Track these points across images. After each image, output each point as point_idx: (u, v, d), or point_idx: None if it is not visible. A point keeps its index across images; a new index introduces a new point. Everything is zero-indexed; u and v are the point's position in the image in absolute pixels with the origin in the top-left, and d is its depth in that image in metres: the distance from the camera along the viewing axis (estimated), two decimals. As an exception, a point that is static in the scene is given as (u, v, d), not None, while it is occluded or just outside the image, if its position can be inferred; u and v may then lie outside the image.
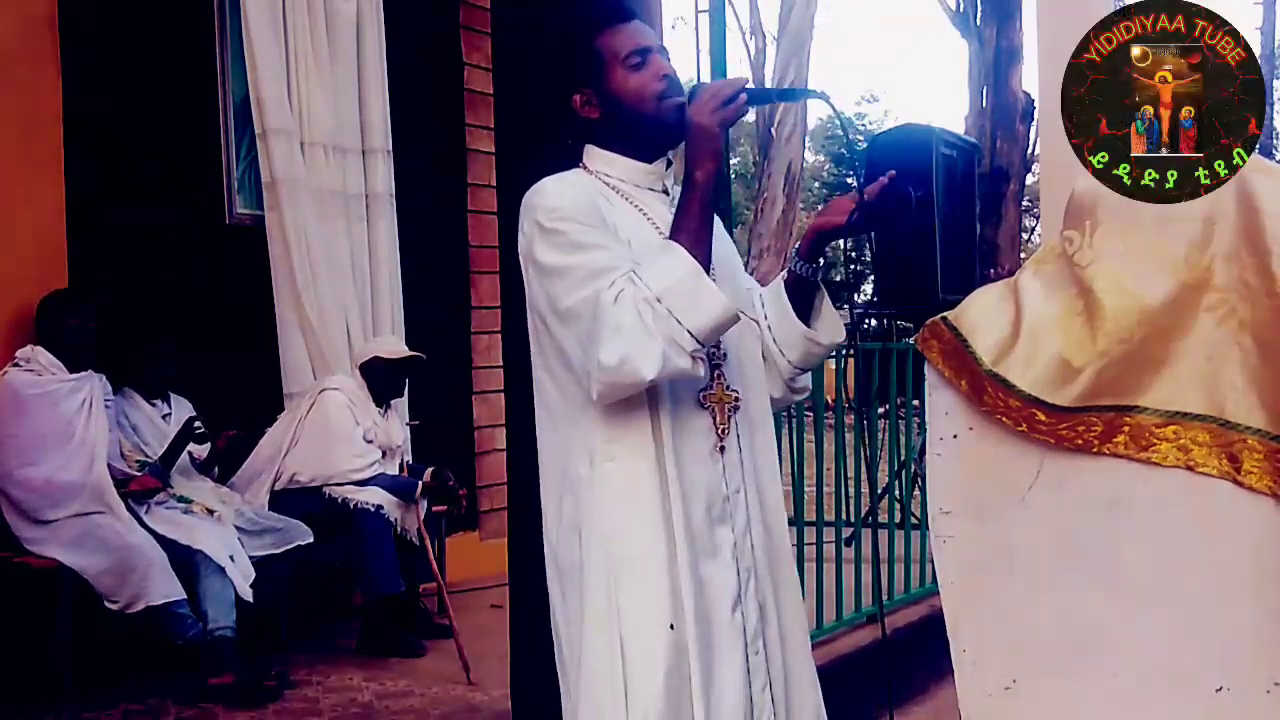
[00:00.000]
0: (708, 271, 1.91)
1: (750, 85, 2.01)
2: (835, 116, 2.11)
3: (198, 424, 4.43)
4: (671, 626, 1.92)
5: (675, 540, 1.94)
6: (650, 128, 2.05)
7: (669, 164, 2.14)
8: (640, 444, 1.95)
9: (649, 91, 2.03)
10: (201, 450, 4.63)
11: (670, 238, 1.93)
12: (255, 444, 4.90)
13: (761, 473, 2.11)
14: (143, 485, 4.28)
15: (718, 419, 2.03)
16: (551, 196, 1.96)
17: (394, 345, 5.14)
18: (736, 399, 2.06)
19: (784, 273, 2.21)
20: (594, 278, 1.87)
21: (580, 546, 1.97)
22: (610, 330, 1.83)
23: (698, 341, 1.86)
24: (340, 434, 4.84)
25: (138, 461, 4.42)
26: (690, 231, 1.91)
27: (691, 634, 1.92)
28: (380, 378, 5.01)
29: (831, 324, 2.21)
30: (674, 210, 1.98)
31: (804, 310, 2.19)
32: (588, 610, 1.96)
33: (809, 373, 2.27)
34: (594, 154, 2.10)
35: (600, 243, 1.92)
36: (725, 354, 2.06)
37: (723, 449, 2.02)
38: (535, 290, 1.97)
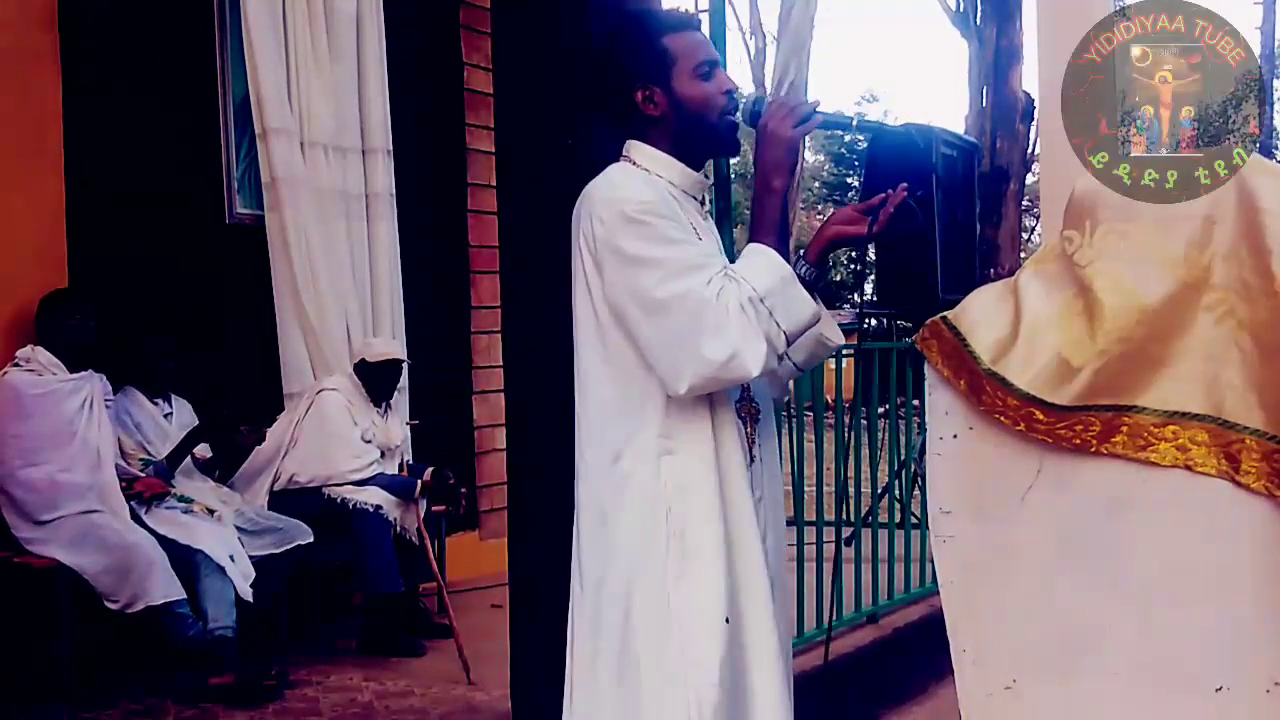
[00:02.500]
0: None
1: (821, 107, 2.08)
2: (927, 149, 2.19)
3: (242, 433, 4.46)
4: (727, 620, 1.97)
5: (730, 542, 2.00)
6: (707, 136, 2.09)
7: (706, 176, 2.20)
8: (699, 443, 2.00)
9: (715, 103, 2.08)
10: (204, 451, 4.64)
11: (753, 240, 1.98)
12: (263, 436, 4.90)
13: (776, 488, 2.19)
14: (150, 488, 4.28)
15: (748, 429, 2.09)
16: (629, 189, 1.99)
17: (380, 348, 5.13)
18: (758, 411, 2.12)
19: None
20: (689, 272, 1.91)
21: (626, 540, 2.00)
22: (714, 326, 1.87)
23: (789, 342, 1.94)
24: (338, 434, 4.84)
25: (141, 460, 4.42)
26: (775, 236, 1.98)
27: (750, 630, 2.00)
28: (368, 379, 5.02)
29: (833, 326, 2.24)
30: (751, 215, 2.03)
31: None
32: (639, 602, 1.98)
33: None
34: (644, 151, 2.11)
35: (688, 238, 1.97)
36: None
37: (751, 460, 2.08)
38: (615, 280, 1.96)
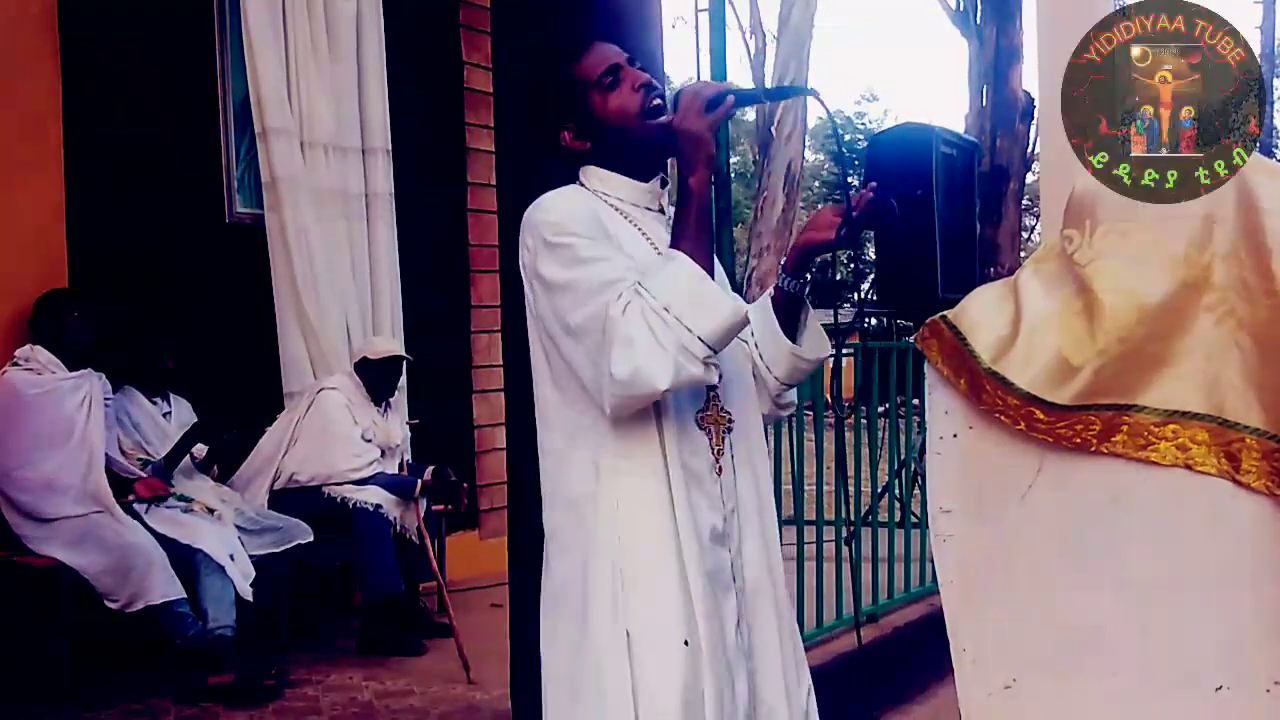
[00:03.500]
0: (712, 276, 1.89)
1: (736, 86, 1.99)
2: (827, 114, 2.09)
3: (225, 435, 4.47)
4: (686, 643, 1.90)
5: (686, 558, 1.93)
6: (638, 146, 2.03)
7: (664, 183, 2.13)
8: (649, 461, 1.94)
9: (630, 108, 2.01)
10: (201, 449, 4.64)
11: (671, 245, 1.92)
12: (255, 442, 4.91)
13: (762, 495, 2.10)
14: (151, 489, 4.28)
15: (714, 440, 2.02)
16: (554, 211, 1.95)
17: (381, 345, 5.13)
18: (730, 420, 2.05)
19: (771, 290, 2.19)
20: (600, 291, 1.85)
21: (584, 564, 1.95)
22: (620, 343, 1.81)
23: (709, 348, 1.84)
24: (339, 433, 4.85)
25: (140, 460, 4.42)
26: (690, 239, 1.90)
27: (706, 652, 1.92)
28: (371, 377, 5.02)
29: (817, 339, 2.19)
30: (670, 224, 1.97)
31: (790, 325, 2.16)
32: (594, 627, 1.93)
33: (794, 388, 2.24)
34: (591, 173, 2.08)
35: (604, 255, 1.90)
36: (720, 374, 2.03)
37: (719, 470, 2.01)
38: (542, 306, 1.94)
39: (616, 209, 2.04)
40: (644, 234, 2.04)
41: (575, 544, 1.97)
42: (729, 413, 2.05)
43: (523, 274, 1.99)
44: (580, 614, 1.95)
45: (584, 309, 1.86)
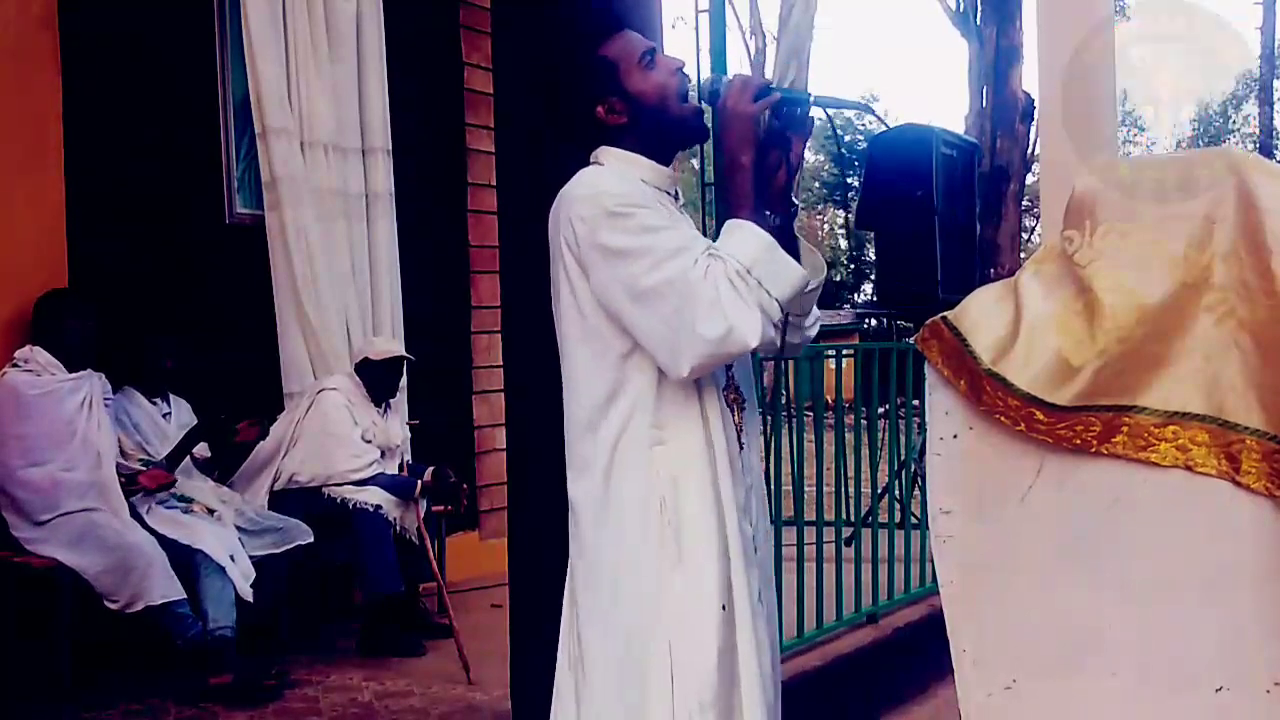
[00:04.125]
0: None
1: (783, 85, 2.09)
2: (828, 119, 2.14)
3: (237, 430, 4.49)
4: (724, 607, 2.00)
5: (725, 529, 2.03)
6: (674, 125, 2.11)
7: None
8: (691, 433, 2.02)
9: (669, 87, 2.09)
10: (203, 450, 4.64)
11: (730, 215, 1.99)
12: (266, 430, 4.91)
13: (759, 474, 2.21)
14: (155, 480, 4.28)
15: (735, 417, 2.11)
16: (610, 184, 2.01)
17: (383, 345, 5.14)
18: (743, 400, 2.14)
19: None
20: (675, 256, 1.92)
21: (621, 533, 2.02)
22: (707, 304, 1.88)
23: (782, 311, 1.96)
24: (338, 434, 4.85)
25: (140, 460, 4.42)
26: (750, 208, 1.98)
27: (744, 617, 2.02)
28: (372, 378, 5.02)
29: (812, 260, 2.22)
30: (725, 195, 2.04)
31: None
32: (636, 593, 2.00)
33: (811, 319, 2.29)
34: (612, 154, 2.12)
35: (668, 224, 1.99)
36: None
37: (741, 446, 2.11)
38: (604, 276, 1.98)
39: (641, 186, 2.08)
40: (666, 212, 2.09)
41: (610, 515, 2.03)
42: (742, 393, 2.15)
43: (566, 253, 2.02)
44: (621, 587, 2.02)
45: (658, 273, 1.92)
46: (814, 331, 2.30)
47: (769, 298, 1.92)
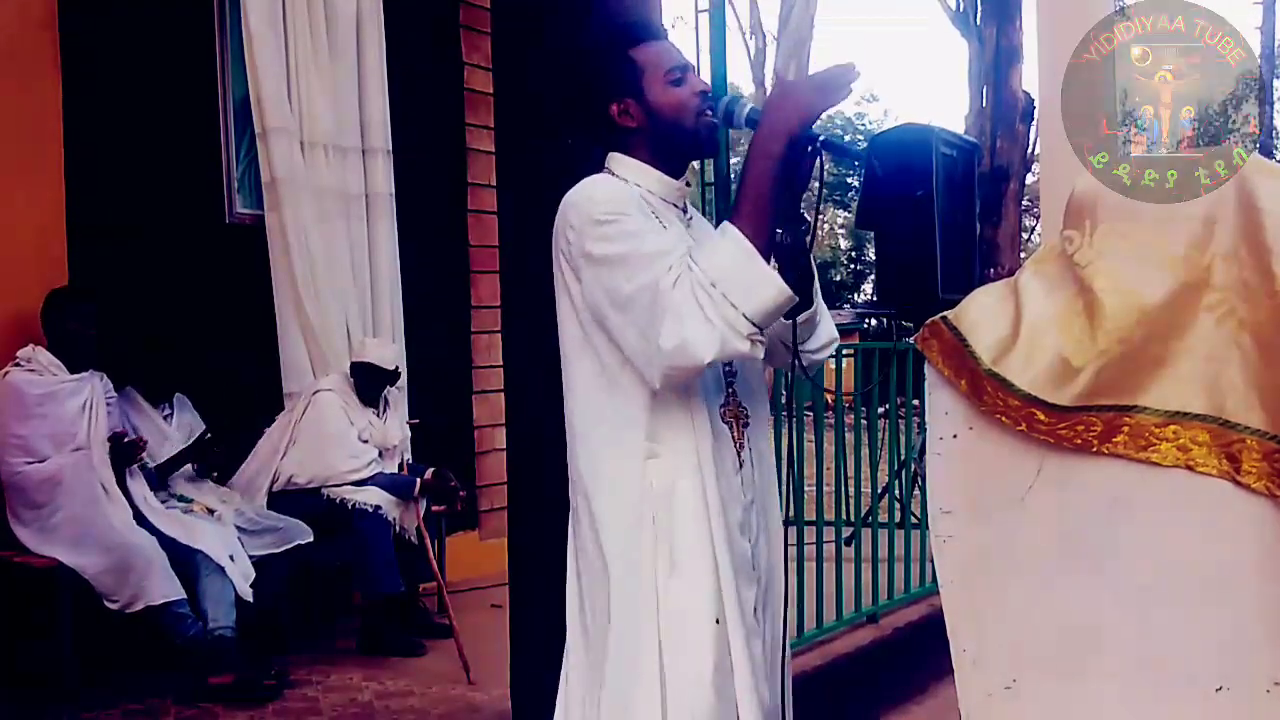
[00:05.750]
0: (767, 251, 1.91)
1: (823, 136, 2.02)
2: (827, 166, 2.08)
3: (216, 448, 4.50)
4: (717, 621, 1.98)
5: (716, 544, 2.00)
6: (686, 140, 2.09)
7: (688, 184, 2.19)
8: (683, 448, 2.00)
9: (690, 107, 2.07)
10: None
11: (729, 217, 1.95)
12: (253, 445, 4.91)
13: (769, 491, 2.17)
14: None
15: (735, 434, 2.08)
16: (599, 193, 2.00)
17: (370, 350, 5.12)
18: (747, 416, 2.11)
19: None
20: (652, 261, 1.89)
21: (614, 546, 2.00)
22: (670, 315, 1.85)
23: (754, 325, 1.87)
24: (335, 435, 4.85)
25: (141, 461, 4.41)
26: (746, 214, 1.91)
27: (737, 632, 2.00)
28: (359, 380, 5.02)
29: (826, 321, 2.24)
30: (738, 180, 1.99)
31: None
32: (625, 603, 1.99)
33: (824, 342, 2.25)
34: (623, 162, 2.11)
35: (652, 229, 1.96)
36: (735, 370, 2.11)
37: (741, 464, 2.08)
38: (590, 285, 1.97)
39: (645, 200, 2.07)
40: (666, 229, 2.06)
41: (616, 525, 2.02)
42: (745, 408, 2.11)
43: (562, 262, 2.02)
44: (614, 601, 2.00)
45: (636, 279, 1.89)
46: (824, 355, 2.24)
47: (735, 312, 1.84)
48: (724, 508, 2.02)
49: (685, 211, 2.16)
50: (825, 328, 2.22)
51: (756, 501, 2.11)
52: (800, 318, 2.11)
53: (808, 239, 2.07)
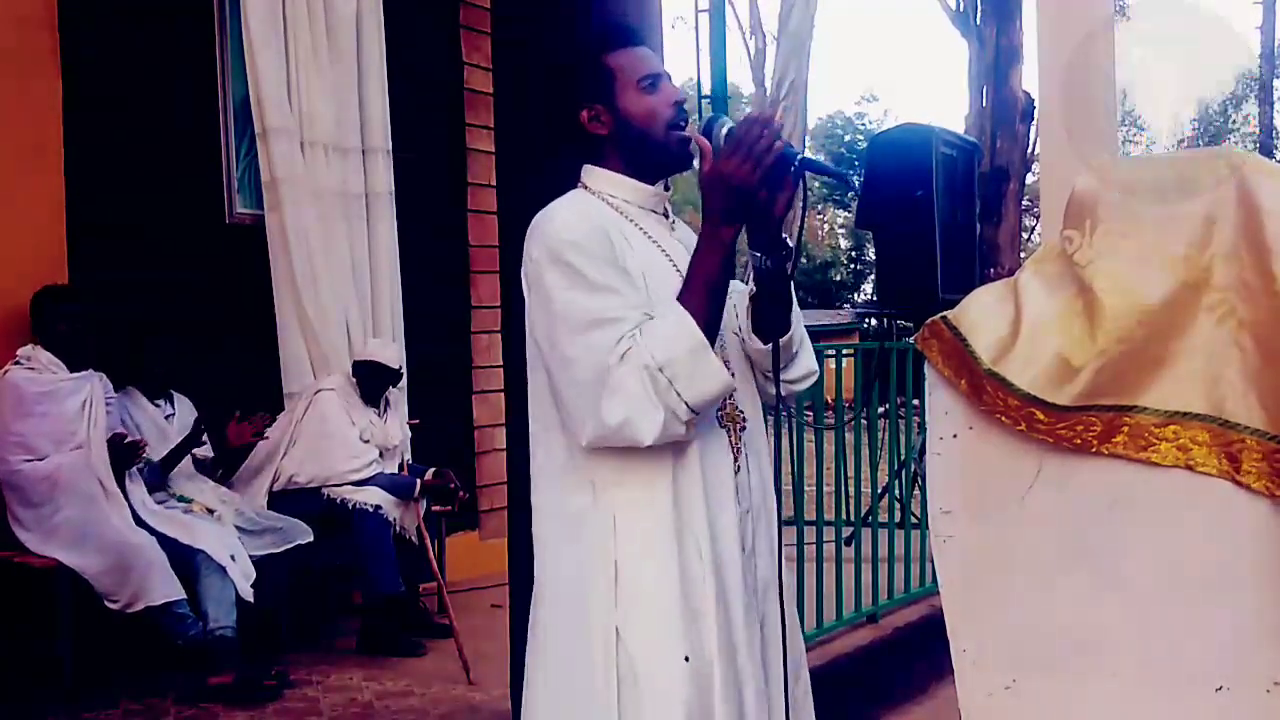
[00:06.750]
0: (714, 338, 1.88)
1: (795, 151, 1.92)
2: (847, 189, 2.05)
3: (204, 439, 4.46)
4: (687, 659, 1.89)
5: (700, 567, 1.92)
6: (656, 151, 2.04)
7: (667, 187, 2.14)
8: (655, 469, 1.92)
9: (661, 116, 2.02)
10: (206, 451, 4.64)
11: (682, 294, 1.89)
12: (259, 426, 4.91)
13: (769, 494, 2.11)
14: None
15: (732, 438, 2.03)
16: (566, 226, 1.92)
17: (373, 349, 5.13)
18: (744, 419, 2.06)
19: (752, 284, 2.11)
20: (601, 327, 1.84)
21: (579, 582, 1.94)
22: (612, 390, 1.81)
23: (694, 412, 1.85)
24: (336, 435, 4.85)
25: (141, 460, 4.41)
26: (703, 294, 1.87)
27: (717, 667, 1.91)
28: (361, 379, 5.02)
29: (807, 351, 2.16)
30: (691, 258, 1.92)
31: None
32: (583, 642, 1.92)
33: (802, 374, 2.18)
34: (596, 174, 2.07)
35: (611, 285, 1.88)
36: (733, 372, 2.02)
37: (738, 469, 2.02)
38: (537, 320, 1.94)
39: (621, 211, 2.03)
40: (649, 236, 2.03)
41: (569, 561, 1.96)
42: (742, 411, 2.06)
43: (524, 282, 1.99)
44: (575, 630, 1.94)
45: (581, 341, 1.85)
46: (800, 387, 2.16)
47: (678, 399, 1.81)
48: (715, 523, 1.94)
49: (668, 217, 2.10)
50: (805, 359, 2.15)
51: (752, 511, 2.04)
52: (781, 340, 2.05)
53: (788, 265, 2.00)
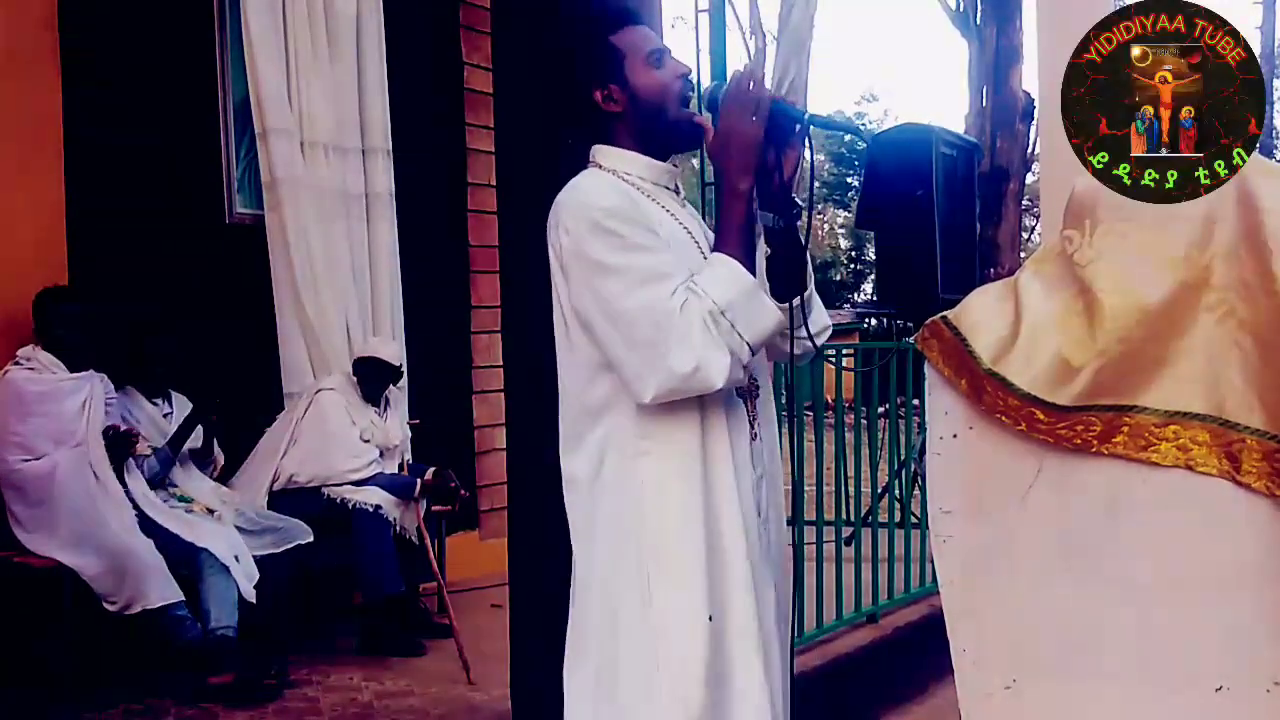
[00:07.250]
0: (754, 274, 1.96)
1: (801, 110, 2.03)
2: (847, 137, 2.11)
3: (212, 416, 4.47)
4: (711, 618, 1.96)
5: (724, 530, 1.99)
6: (667, 126, 2.09)
7: (675, 165, 2.18)
8: (682, 437, 1.98)
9: (672, 90, 2.08)
10: (194, 440, 4.61)
11: (717, 249, 1.98)
12: (253, 445, 4.91)
13: (777, 461, 2.18)
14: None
15: (749, 406, 2.09)
16: (599, 194, 1.98)
17: (374, 346, 5.12)
18: (757, 386, 2.12)
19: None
20: (654, 282, 1.90)
21: (609, 549, 2.00)
22: (679, 338, 1.87)
23: (752, 352, 1.94)
24: (337, 434, 4.84)
25: (142, 457, 4.41)
26: (738, 241, 1.97)
27: (740, 624, 1.98)
28: (362, 377, 5.01)
29: (819, 311, 2.21)
30: (716, 217, 2.01)
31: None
32: (621, 606, 1.98)
33: (817, 329, 2.22)
34: (608, 153, 2.11)
35: (654, 246, 1.95)
36: None
37: (754, 436, 2.08)
38: (581, 288, 1.96)
39: (637, 187, 2.07)
40: (666, 210, 2.08)
41: (597, 529, 2.01)
42: (755, 380, 2.11)
43: (554, 258, 2.01)
44: (607, 600, 2.00)
45: (634, 297, 1.90)
46: (819, 340, 2.20)
47: (740, 340, 1.91)
48: (734, 487, 2.00)
49: (679, 193, 2.15)
50: (818, 315, 2.20)
51: (766, 476, 2.10)
52: (795, 301, 2.10)
53: (799, 223, 2.08)
